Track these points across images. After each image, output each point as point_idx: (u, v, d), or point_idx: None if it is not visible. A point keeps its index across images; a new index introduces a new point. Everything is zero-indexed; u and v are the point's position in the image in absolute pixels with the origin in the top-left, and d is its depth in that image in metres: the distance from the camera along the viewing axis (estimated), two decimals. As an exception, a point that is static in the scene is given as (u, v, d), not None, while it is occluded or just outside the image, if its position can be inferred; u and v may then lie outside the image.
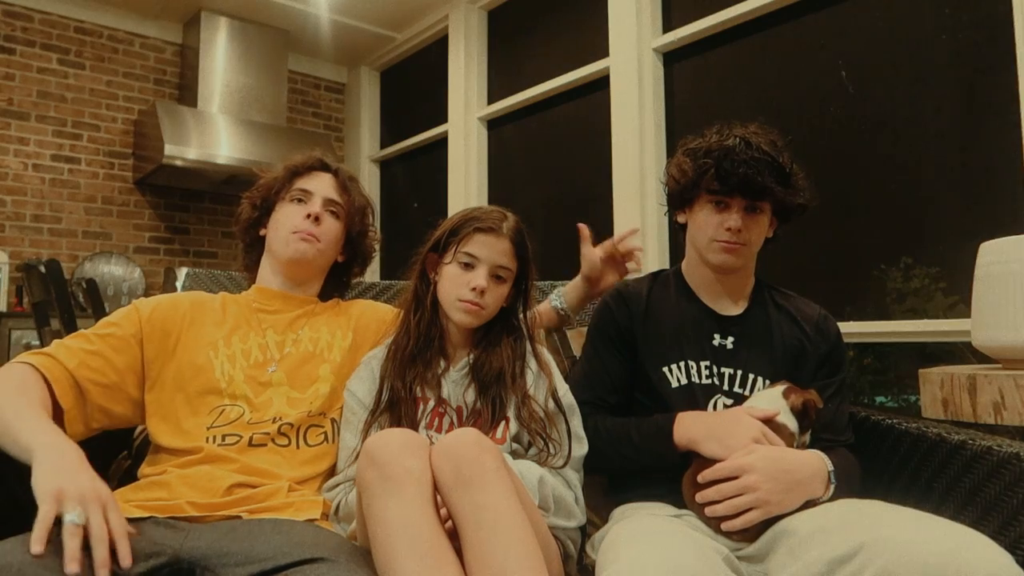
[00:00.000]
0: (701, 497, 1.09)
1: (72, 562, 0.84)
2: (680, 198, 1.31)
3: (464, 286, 1.21)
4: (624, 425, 1.25)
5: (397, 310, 1.34)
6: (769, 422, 1.14)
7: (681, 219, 1.34)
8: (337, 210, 1.37)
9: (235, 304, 1.33)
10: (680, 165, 1.29)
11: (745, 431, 1.12)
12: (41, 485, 0.89)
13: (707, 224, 1.25)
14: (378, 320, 1.41)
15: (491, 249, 1.22)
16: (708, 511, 1.09)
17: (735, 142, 1.21)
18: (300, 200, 1.35)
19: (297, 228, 1.31)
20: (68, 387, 1.13)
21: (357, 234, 1.42)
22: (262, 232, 1.38)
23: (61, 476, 0.90)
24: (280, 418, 1.21)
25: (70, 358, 1.15)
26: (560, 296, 1.56)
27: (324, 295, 1.42)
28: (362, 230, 1.43)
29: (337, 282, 1.45)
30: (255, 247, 1.41)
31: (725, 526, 1.07)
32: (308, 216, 1.32)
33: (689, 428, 1.17)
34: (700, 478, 1.10)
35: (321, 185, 1.37)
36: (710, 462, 1.11)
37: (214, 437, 1.18)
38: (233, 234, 1.47)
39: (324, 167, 1.40)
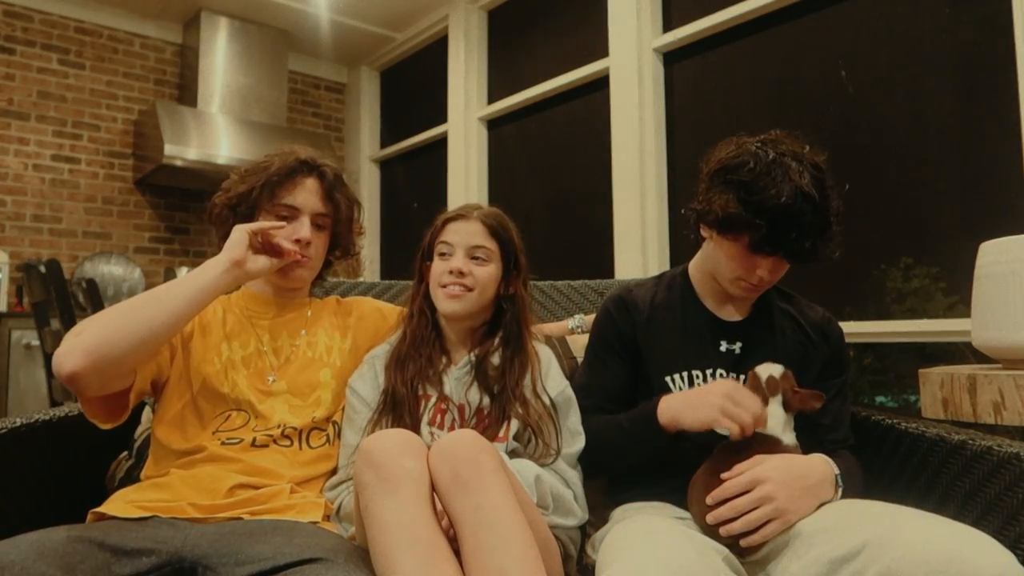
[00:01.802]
0: (713, 518, 1.05)
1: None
2: (715, 226, 1.19)
3: (444, 272, 1.24)
4: (612, 419, 1.24)
5: (401, 308, 1.35)
6: (780, 445, 1.13)
7: (705, 233, 1.25)
8: (325, 222, 1.31)
9: (232, 312, 1.32)
10: (726, 205, 1.14)
11: (720, 392, 1.10)
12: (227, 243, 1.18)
13: (736, 264, 1.19)
14: (378, 315, 1.40)
15: (462, 232, 1.27)
16: (723, 531, 1.04)
17: (791, 200, 1.09)
18: (286, 217, 1.27)
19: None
20: None
21: (347, 235, 1.37)
22: None
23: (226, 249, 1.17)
24: (284, 424, 1.21)
25: None
26: (580, 320, 1.62)
27: (311, 288, 1.42)
28: (350, 231, 1.38)
29: (323, 270, 1.41)
30: None
31: (745, 542, 1.03)
32: (298, 241, 1.26)
33: (670, 407, 1.15)
34: (709, 499, 1.06)
35: (308, 198, 1.28)
36: (714, 473, 1.08)
37: (218, 439, 1.18)
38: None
39: (307, 169, 1.30)
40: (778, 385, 1.15)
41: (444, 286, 1.24)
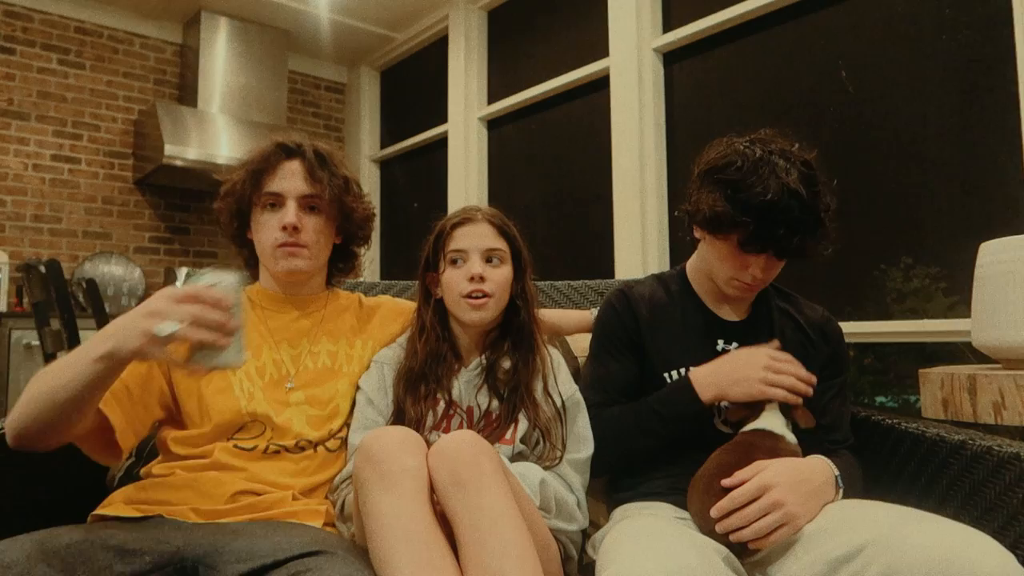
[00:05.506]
0: (723, 528, 1.03)
1: None
2: (704, 225, 1.20)
3: (462, 280, 1.21)
4: (632, 406, 1.24)
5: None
6: (781, 442, 1.14)
7: (698, 234, 1.26)
8: (316, 203, 1.23)
9: (246, 313, 1.29)
10: (714, 204, 1.15)
11: (758, 363, 1.15)
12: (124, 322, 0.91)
13: (729, 264, 1.20)
14: (402, 319, 1.36)
15: (473, 236, 1.23)
16: (734, 537, 1.02)
17: (778, 197, 1.10)
18: (273, 206, 1.22)
19: (278, 241, 1.21)
20: (117, 396, 1.10)
21: (346, 214, 1.28)
22: (249, 236, 1.29)
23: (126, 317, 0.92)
24: (300, 436, 1.19)
25: None
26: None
27: (330, 279, 1.37)
28: (349, 209, 1.27)
29: (342, 263, 1.36)
30: (246, 247, 1.32)
31: (754, 545, 1.02)
32: (284, 228, 1.20)
33: (710, 382, 1.18)
34: (714, 511, 1.04)
35: (291, 182, 1.22)
36: (715, 474, 1.08)
37: (231, 444, 1.16)
38: (233, 234, 1.42)
39: (287, 153, 1.23)
40: None
41: (466, 295, 1.20)
